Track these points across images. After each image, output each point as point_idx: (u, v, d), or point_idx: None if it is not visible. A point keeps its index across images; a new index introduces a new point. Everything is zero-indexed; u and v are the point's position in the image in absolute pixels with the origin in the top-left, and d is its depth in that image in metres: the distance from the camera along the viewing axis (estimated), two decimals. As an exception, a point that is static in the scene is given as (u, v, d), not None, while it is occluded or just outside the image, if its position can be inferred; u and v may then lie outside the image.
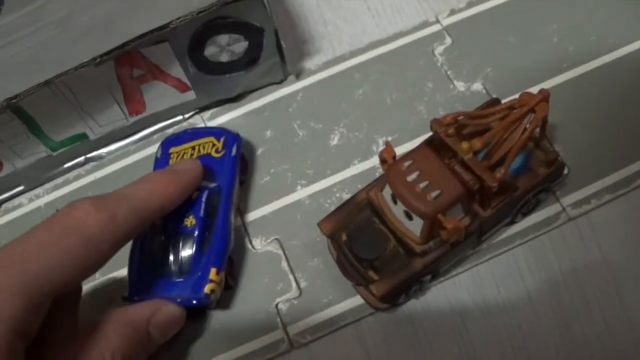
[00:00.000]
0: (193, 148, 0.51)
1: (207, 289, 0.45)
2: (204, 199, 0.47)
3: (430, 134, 0.44)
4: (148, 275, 0.46)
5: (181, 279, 0.46)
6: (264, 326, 0.47)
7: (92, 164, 0.56)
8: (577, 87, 0.53)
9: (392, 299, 0.45)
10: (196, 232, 0.46)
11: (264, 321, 0.47)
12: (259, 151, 0.54)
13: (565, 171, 0.49)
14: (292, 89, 0.56)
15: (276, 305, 0.48)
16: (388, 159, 0.43)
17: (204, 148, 0.51)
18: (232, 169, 0.50)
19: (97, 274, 0.50)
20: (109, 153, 0.56)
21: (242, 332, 0.47)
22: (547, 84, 0.53)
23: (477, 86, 0.54)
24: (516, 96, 0.44)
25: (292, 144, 0.54)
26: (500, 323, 0.46)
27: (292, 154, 0.53)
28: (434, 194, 0.41)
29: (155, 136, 0.56)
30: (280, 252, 0.50)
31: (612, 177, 0.49)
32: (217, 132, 0.51)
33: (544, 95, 0.43)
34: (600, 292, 0.46)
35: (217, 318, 0.48)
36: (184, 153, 0.51)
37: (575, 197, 0.49)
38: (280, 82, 0.56)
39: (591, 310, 0.46)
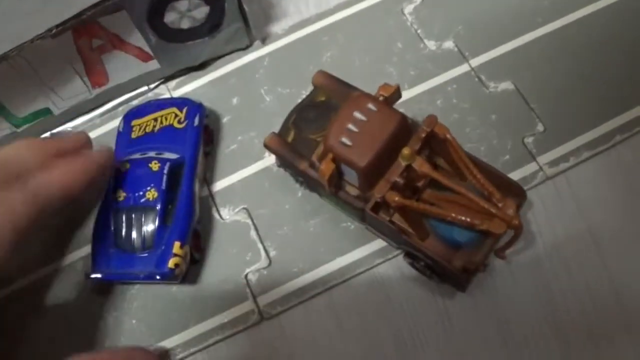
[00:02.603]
0: (155, 120, 0.50)
1: (171, 263, 0.44)
2: (165, 172, 0.46)
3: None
4: (111, 250, 0.45)
5: (145, 254, 0.45)
6: (234, 298, 0.46)
7: (57, 139, 0.54)
8: (552, 43, 0.51)
9: None
10: (158, 206, 0.45)
11: (234, 292, 0.46)
12: (225, 119, 0.52)
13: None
14: (258, 54, 0.54)
15: (246, 276, 0.47)
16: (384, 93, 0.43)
17: (166, 119, 0.49)
18: (195, 140, 0.48)
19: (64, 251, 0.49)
20: (74, 128, 0.54)
21: (211, 304, 0.46)
22: (520, 40, 0.52)
23: (449, 44, 0.52)
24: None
25: (259, 110, 0.52)
26: (476, 288, 0.44)
27: (260, 121, 0.51)
28: (346, 139, 0.41)
29: (121, 108, 0.54)
30: (249, 221, 0.48)
31: (591, 133, 0.48)
32: (180, 102, 0.50)
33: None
34: (580, 252, 0.45)
35: (185, 290, 0.47)
36: (146, 125, 0.50)
37: (552, 155, 0.47)
38: (246, 48, 0.54)
39: (571, 270, 0.44)
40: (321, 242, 0.47)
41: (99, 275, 0.45)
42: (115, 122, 0.53)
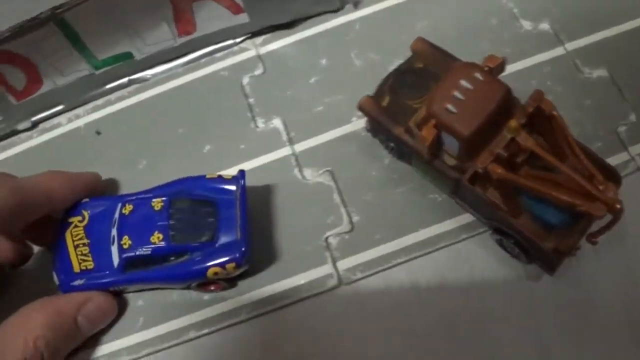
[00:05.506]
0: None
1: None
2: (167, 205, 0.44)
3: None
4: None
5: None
6: (312, 260, 0.45)
7: (135, 85, 0.54)
8: (651, 34, 0.50)
9: None
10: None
11: (313, 255, 0.45)
12: (312, 80, 0.51)
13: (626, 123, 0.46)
14: (349, 18, 0.53)
15: (326, 239, 0.46)
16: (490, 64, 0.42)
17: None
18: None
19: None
20: (153, 75, 0.53)
21: (289, 265, 0.45)
22: (617, 29, 0.51)
23: (544, 26, 0.51)
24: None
25: (348, 74, 0.51)
26: (562, 271, 0.43)
27: (348, 84, 0.50)
28: (451, 106, 0.40)
29: (204, 60, 0.53)
30: (333, 184, 0.47)
31: (687, 124, 0.47)
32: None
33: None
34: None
35: (263, 249, 0.46)
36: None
37: (645, 145, 0.47)
38: (337, 11, 0.54)
39: (657, 263, 0.44)
40: (406, 211, 0.46)
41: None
42: (197, 73, 0.53)
